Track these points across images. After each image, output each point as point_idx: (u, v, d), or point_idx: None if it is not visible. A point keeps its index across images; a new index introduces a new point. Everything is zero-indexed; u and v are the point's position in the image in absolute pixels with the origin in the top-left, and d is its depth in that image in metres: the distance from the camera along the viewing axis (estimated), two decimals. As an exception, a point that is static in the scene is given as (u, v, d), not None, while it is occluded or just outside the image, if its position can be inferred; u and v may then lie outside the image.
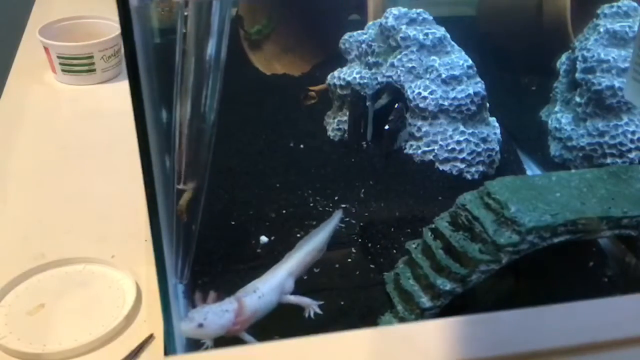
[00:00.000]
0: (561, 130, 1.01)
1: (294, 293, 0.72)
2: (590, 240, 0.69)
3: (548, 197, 0.67)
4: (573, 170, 0.77)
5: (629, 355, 0.43)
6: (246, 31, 1.29)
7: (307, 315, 0.71)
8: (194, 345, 0.67)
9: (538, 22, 1.21)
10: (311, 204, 0.90)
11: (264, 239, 0.83)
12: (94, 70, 1.20)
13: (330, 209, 0.89)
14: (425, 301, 0.67)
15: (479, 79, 0.98)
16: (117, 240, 0.83)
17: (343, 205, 0.89)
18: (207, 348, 0.67)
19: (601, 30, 0.99)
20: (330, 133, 1.06)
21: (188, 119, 0.66)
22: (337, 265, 0.81)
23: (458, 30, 1.05)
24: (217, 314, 0.64)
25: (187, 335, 0.64)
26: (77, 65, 1.19)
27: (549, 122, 1.04)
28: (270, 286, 0.70)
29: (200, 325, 0.63)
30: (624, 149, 0.96)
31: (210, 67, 0.64)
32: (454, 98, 0.95)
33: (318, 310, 0.72)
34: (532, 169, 1.02)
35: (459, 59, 0.97)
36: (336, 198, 0.92)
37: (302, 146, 1.04)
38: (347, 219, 0.87)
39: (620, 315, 0.45)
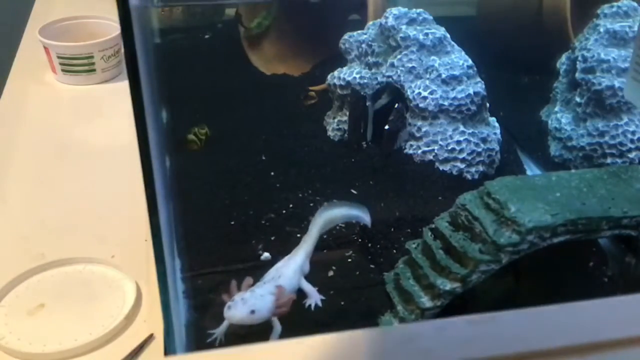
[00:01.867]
0: (561, 130, 1.01)
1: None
2: (590, 240, 0.69)
3: (548, 197, 0.67)
4: (573, 170, 0.77)
5: (629, 355, 0.43)
6: (246, 27, 1.29)
7: (307, 305, 0.74)
8: (194, 344, 0.67)
9: (538, 22, 1.21)
10: (311, 204, 0.90)
11: (267, 255, 0.82)
12: (94, 70, 1.20)
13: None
14: (425, 301, 0.67)
15: (479, 79, 0.98)
16: (117, 240, 0.83)
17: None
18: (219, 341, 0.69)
19: (601, 30, 0.99)
20: (330, 133, 1.06)
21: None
22: (337, 265, 0.81)
23: (458, 30, 1.05)
24: (259, 299, 0.67)
25: (240, 322, 0.66)
26: (77, 65, 1.19)
27: (549, 122, 1.04)
28: (293, 270, 0.74)
29: (253, 312, 0.66)
30: (624, 149, 0.96)
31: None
32: (454, 98, 0.95)
33: (319, 304, 0.74)
34: (532, 169, 1.02)
35: (459, 59, 0.97)
36: (336, 198, 0.92)
37: (302, 146, 1.04)
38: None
39: (620, 315, 0.45)
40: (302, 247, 0.78)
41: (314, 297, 0.74)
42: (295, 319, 0.71)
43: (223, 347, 0.68)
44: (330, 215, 0.82)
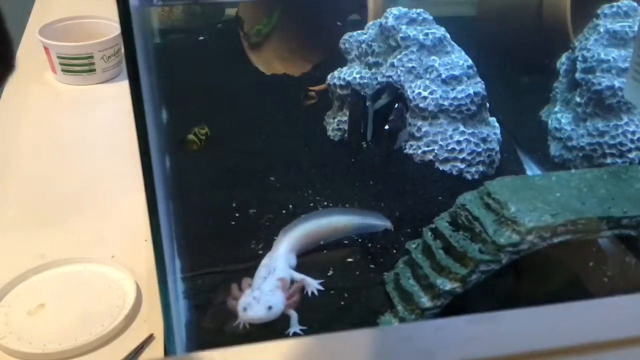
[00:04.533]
0: (561, 130, 1.01)
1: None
2: (590, 240, 0.69)
3: (548, 197, 0.67)
4: (573, 170, 0.77)
5: (629, 355, 0.43)
6: (246, 33, 1.29)
7: (309, 293, 0.75)
8: (194, 344, 0.67)
9: (538, 22, 1.21)
10: (311, 204, 0.90)
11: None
12: (94, 70, 1.20)
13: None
14: (425, 301, 0.67)
15: (479, 79, 0.98)
16: (117, 240, 0.83)
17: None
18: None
19: (601, 30, 0.99)
20: (330, 133, 1.06)
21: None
22: (337, 265, 0.81)
23: (458, 30, 1.04)
24: (270, 295, 0.69)
25: (258, 320, 0.67)
26: (77, 65, 1.19)
27: (549, 122, 1.04)
28: (283, 262, 0.75)
29: (270, 308, 0.67)
30: (624, 149, 0.96)
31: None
32: (454, 98, 0.95)
33: (320, 288, 0.75)
34: (532, 169, 1.02)
35: (459, 59, 0.97)
36: (336, 198, 0.92)
37: (302, 146, 1.04)
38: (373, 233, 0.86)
39: (620, 315, 0.45)
40: (281, 241, 0.79)
41: (311, 284, 0.75)
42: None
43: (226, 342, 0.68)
44: (329, 222, 0.83)
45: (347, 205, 0.90)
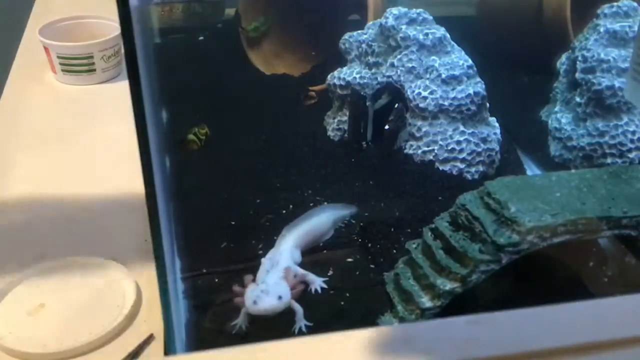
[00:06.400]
0: (561, 130, 1.01)
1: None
2: (590, 240, 0.69)
3: (548, 197, 0.67)
4: (573, 170, 0.77)
5: (629, 355, 0.43)
6: (244, 28, 1.29)
7: (312, 290, 0.75)
8: (194, 344, 0.67)
9: (538, 22, 1.21)
10: (311, 204, 0.90)
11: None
12: (94, 70, 1.20)
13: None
14: (425, 301, 0.67)
15: (479, 79, 0.98)
16: (117, 240, 0.83)
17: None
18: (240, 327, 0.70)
19: (601, 30, 0.99)
20: (330, 133, 1.06)
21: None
22: (337, 265, 0.81)
23: (458, 30, 1.05)
24: (277, 286, 0.69)
25: (271, 311, 0.68)
26: (77, 65, 1.19)
27: (549, 122, 1.04)
28: (287, 256, 0.76)
29: (280, 298, 0.68)
30: (624, 149, 0.96)
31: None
32: (454, 98, 0.95)
33: (324, 286, 0.75)
34: (532, 169, 1.02)
35: (459, 59, 0.97)
36: (336, 198, 0.92)
37: (302, 146, 1.04)
38: (348, 220, 0.87)
39: (620, 315, 0.45)
40: (285, 237, 0.80)
41: (316, 281, 0.76)
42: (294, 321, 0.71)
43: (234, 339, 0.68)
44: (327, 219, 0.84)
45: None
